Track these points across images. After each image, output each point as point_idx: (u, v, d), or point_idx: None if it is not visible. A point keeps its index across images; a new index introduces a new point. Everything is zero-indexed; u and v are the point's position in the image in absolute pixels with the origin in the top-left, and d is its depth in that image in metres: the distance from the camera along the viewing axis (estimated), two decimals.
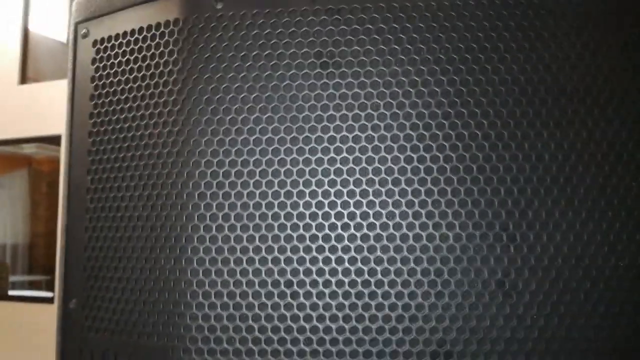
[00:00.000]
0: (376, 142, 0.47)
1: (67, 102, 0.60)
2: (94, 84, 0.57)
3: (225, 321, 0.47)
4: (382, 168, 0.47)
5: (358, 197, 0.47)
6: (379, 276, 0.46)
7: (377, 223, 0.46)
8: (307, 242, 0.47)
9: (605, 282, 0.45)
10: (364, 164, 0.47)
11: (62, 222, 0.58)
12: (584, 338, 0.45)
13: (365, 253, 0.46)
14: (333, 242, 0.47)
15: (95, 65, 0.57)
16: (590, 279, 0.45)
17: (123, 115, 0.54)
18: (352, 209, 0.47)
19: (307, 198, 0.47)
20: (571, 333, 0.45)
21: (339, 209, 0.47)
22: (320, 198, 0.47)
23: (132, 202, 0.52)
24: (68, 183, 0.57)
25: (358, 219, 0.47)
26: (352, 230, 0.47)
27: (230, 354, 0.46)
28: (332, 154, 0.48)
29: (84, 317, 0.55)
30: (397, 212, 0.46)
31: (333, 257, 0.46)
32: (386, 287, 0.46)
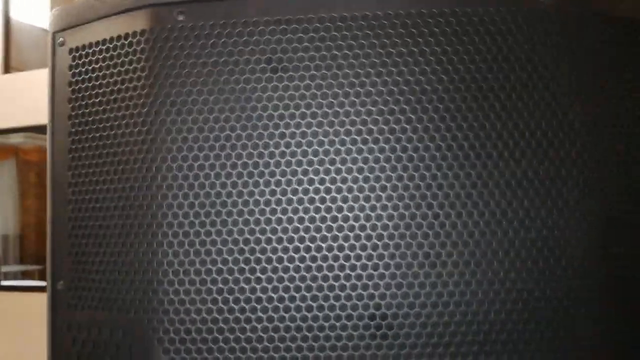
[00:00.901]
0: (320, 137, 0.54)
1: (48, 105, 0.66)
2: (71, 88, 0.63)
3: (192, 294, 0.54)
4: (326, 159, 0.54)
5: (306, 185, 0.54)
6: (325, 252, 0.53)
7: (322, 206, 0.54)
8: (263, 224, 0.54)
9: (516, 253, 0.53)
10: (310, 156, 0.54)
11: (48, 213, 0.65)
12: (499, 300, 0.53)
13: (313, 233, 0.53)
14: (285, 224, 0.54)
15: (71, 72, 0.63)
16: (503, 250, 0.53)
17: (98, 117, 0.61)
18: (300, 195, 0.54)
19: (262, 187, 0.54)
20: (487, 296, 0.52)
21: (289, 195, 0.54)
22: (273, 187, 0.54)
23: (109, 193, 0.59)
24: (51, 179, 0.64)
25: (306, 204, 0.54)
26: (301, 214, 0.54)
27: (197, 322, 0.54)
28: (282, 148, 0.54)
29: (70, 297, 0.62)
30: (338, 196, 0.54)
31: (285, 237, 0.54)
32: (330, 261, 0.53)
